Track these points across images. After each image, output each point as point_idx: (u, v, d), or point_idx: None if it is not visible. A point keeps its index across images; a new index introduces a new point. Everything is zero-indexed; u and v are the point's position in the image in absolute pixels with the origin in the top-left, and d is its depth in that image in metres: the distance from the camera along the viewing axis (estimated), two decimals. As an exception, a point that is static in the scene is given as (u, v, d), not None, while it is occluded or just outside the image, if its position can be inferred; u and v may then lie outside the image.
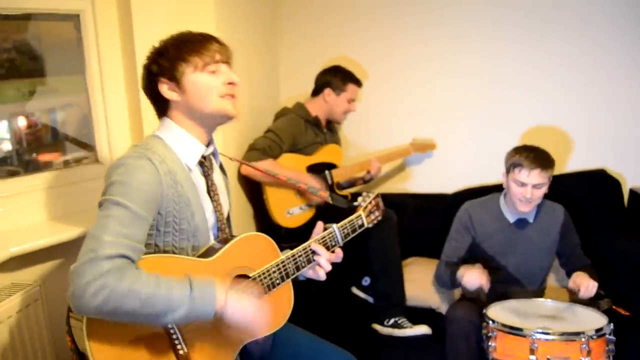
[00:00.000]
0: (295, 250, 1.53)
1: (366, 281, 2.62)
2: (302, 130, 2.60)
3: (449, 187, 2.92)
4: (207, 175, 1.47)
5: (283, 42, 3.14)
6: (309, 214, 2.52)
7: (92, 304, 1.11)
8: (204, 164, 1.46)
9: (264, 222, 2.56)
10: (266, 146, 2.43)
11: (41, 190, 1.98)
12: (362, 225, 1.71)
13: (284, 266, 1.49)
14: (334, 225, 1.62)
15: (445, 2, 2.92)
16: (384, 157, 2.85)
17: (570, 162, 2.93)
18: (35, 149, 2.20)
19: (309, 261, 1.54)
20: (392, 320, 2.36)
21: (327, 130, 2.77)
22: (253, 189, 2.56)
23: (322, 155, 2.64)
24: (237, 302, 1.28)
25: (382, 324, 2.37)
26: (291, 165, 2.51)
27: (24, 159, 2.18)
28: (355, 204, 1.74)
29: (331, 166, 2.66)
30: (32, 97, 2.12)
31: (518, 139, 2.89)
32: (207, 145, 1.47)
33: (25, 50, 2.07)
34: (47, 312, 1.77)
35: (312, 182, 2.49)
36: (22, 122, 2.17)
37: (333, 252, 1.61)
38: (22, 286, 1.70)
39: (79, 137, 2.25)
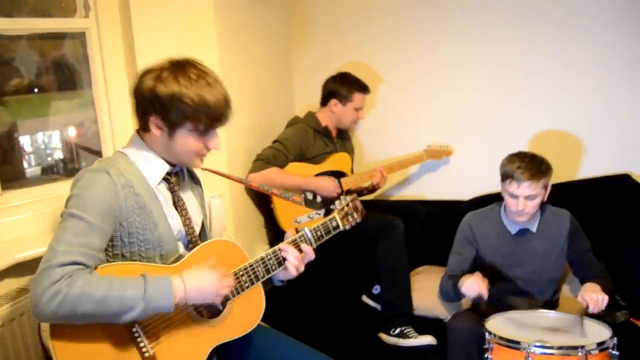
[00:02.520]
0: (264, 254, 1.55)
1: (376, 289, 2.64)
2: (310, 140, 2.62)
3: (466, 194, 2.88)
4: (173, 190, 1.50)
5: (297, 50, 3.18)
6: (317, 222, 2.50)
7: (47, 310, 1.18)
8: (170, 180, 1.49)
9: (274, 231, 2.61)
10: (270, 156, 2.47)
11: (45, 201, 2.06)
12: (337, 227, 1.71)
13: (252, 269, 1.51)
14: (306, 227, 1.64)
15: (458, 9, 2.90)
16: (396, 165, 2.84)
17: (591, 167, 2.83)
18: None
19: (280, 264, 1.56)
20: (398, 330, 2.36)
21: (338, 139, 2.78)
22: (262, 199, 2.60)
23: (331, 163, 2.66)
24: (196, 288, 1.34)
25: (388, 333, 2.39)
26: (299, 174, 2.53)
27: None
28: (332, 207, 1.74)
29: (340, 174, 2.67)
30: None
31: (534, 144, 2.83)
32: (174, 165, 1.50)
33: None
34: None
35: (322, 184, 2.54)
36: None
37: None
38: (26, 291, 1.79)
39: None
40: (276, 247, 1.57)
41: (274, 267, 1.55)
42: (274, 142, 2.59)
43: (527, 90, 2.87)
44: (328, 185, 2.55)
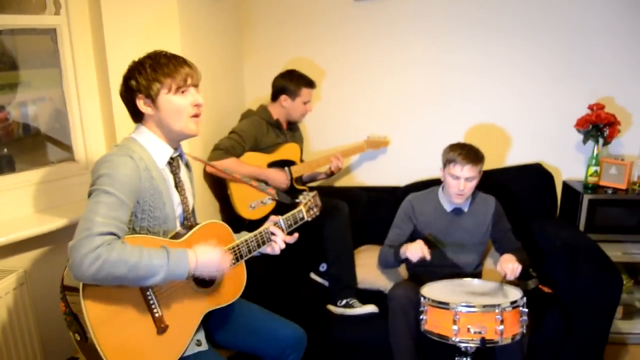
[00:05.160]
0: (247, 237, 1.80)
1: (323, 267, 2.87)
2: (264, 132, 2.82)
3: (402, 180, 3.18)
4: (175, 173, 1.72)
5: (247, 47, 3.35)
6: (269, 207, 2.74)
7: (89, 272, 1.37)
8: (172, 163, 1.71)
9: (229, 215, 2.78)
10: (229, 146, 2.65)
11: (23, 188, 2.17)
12: (303, 218, 2.01)
13: (238, 249, 1.76)
14: (280, 218, 1.91)
15: (395, 9, 3.16)
16: (339, 154, 3.08)
17: (510, 157, 3.22)
18: (6, 145, 2.24)
19: (259, 245, 1.82)
20: (344, 301, 2.60)
21: (288, 130, 2.99)
22: (218, 185, 2.79)
23: (282, 153, 2.87)
24: (204, 261, 1.56)
25: (335, 304, 2.62)
26: (253, 163, 2.73)
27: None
28: (297, 200, 2.04)
29: (290, 163, 2.90)
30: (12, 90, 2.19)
31: (462, 136, 3.18)
32: (175, 149, 1.72)
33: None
34: (32, 295, 1.98)
35: (274, 176, 2.75)
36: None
37: (289, 234, 1.91)
38: (8, 272, 1.91)
39: (52, 131, 2.35)
40: (257, 232, 1.82)
41: (254, 248, 1.81)
42: (231, 132, 2.75)
43: (456, 89, 3.20)
44: (279, 177, 2.78)
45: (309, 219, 2.04)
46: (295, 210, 1.99)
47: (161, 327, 1.55)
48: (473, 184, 2.41)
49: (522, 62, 3.11)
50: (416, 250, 2.28)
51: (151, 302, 1.55)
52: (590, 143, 3.01)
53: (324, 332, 2.47)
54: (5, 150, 2.26)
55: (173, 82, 1.60)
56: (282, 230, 1.90)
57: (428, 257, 2.28)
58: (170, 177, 1.70)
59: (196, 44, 2.58)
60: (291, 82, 2.88)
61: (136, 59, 1.64)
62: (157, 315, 1.55)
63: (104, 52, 2.20)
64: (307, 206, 2.03)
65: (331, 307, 2.63)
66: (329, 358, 2.53)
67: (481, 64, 3.15)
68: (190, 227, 1.70)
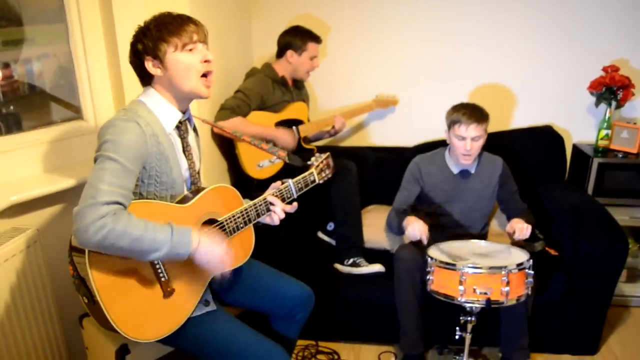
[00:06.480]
0: (256, 200, 1.79)
1: (330, 226, 2.90)
2: (269, 90, 2.79)
3: (410, 140, 3.16)
4: (182, 137, 1.70)
5: (255, 6, 3.28)
6: (277, 166, 2.74)
7: (93, 239, 1.37)
8: (180, 127, 1.69)
9: (237, 174, 2.79)
10: (235, 105, 2.62)
11: (32, 147, 2.15)
12: (314, 181, 1.98)
13: (246, 213, 1.75)
14: (290, 180, 1.89)
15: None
16: (348, 113, 3.07)
17: (521, 119, 3.19)
18: (13, 102, 2.19)
19: (268, 209, 1.81)
20: (351, 260, 2.64)
21: (294, 88, 2.96)
22: (226, 144, 2.78)
23: (289, 112, 2.85)
24: (206, 248, 1.55)
25: (342, 263, 2.66)
26: (260, 122, 2.71)
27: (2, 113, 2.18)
28: (309, 162, 2.00)
29: (298, 122, 2.88)
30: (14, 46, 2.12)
31: (472, 97, 3.14)
32: (184, 112, 1.69)
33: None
34: (45, 253, 2.01)
35: (282, 135, 2.74)
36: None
37: (289, 203, 1.88)
38: (21, 230, 1.93)
39: (57, 88, 2.32)
40: (265, 195, 1.81)
41: (263, 212, 1.80)
42: (237, 92, 2.72)
43: (466, 49, 3.14)
44: (287, 137, 2.76)
45: (321, 182, 2.00)
46: (306, 173, 1.95)
47: (167, 291, 1.57)
48: (480, 143, 2.39)
49: (534, 22, 3.04)
50: (415, 231, 2.27)
51: (157, 266, 1.55)
52: (603, 106, 2.97)
53: (331, 290, 2.52)
54: (12, 107, 2.22)
55: (179, 40, 1.57)
56: (292, 194, 1.88)
57: (425, 241, 2.27)
58: (178, 142, 1.68)
59: (204, 1, 2.52)
60: (297, 37, 2.84)
61: (141, 24, 1.61)
62: (163, 279, 1.56)
63: (111, 8, 2.16)
64: (318, 168, 1.99)
65: (338, 266, 2.67)
66: (336, 316, 2.58)
67: (493, 23, 3.08)
68: (197, 191, 1.69)
